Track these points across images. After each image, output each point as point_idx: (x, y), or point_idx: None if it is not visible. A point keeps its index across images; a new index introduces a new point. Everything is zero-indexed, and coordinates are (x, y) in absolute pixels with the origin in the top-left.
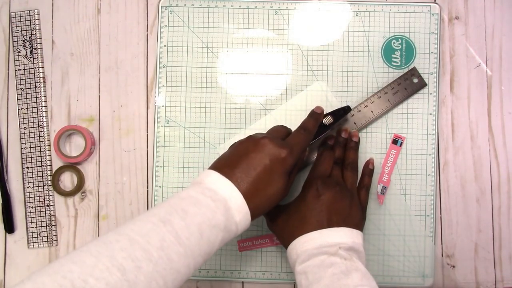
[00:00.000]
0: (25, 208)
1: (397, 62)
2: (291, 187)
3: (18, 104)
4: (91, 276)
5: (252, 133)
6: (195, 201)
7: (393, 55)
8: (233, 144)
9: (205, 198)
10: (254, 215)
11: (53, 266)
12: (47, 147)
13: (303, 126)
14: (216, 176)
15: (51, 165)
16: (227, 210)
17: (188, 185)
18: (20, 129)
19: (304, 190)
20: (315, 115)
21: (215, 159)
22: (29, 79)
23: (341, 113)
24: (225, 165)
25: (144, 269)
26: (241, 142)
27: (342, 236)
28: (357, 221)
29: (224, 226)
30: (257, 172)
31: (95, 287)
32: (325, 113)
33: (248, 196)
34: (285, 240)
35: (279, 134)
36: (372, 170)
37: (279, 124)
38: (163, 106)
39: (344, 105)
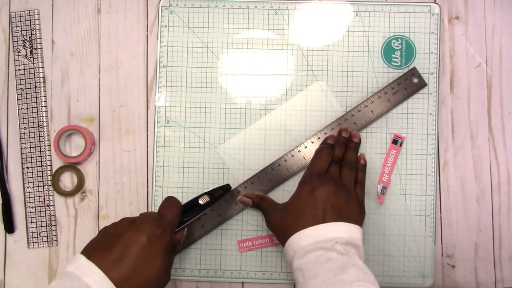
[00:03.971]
0: (25, 208)
1: (397, 62)
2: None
3: (18, 104)
4: None
5: (252, 132)
6: None
7: (393, 55)
8: (105, 228)
9: (67, 286)
10: None
11: None
12: (47, 147)
13: (170, 200)
14: (82, 262)
15: (51, 165)
16: None
17: (188, 185)
18: (20, 129)
19: (300, 187)
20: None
21: (88, 242)
22: (29, 79)
23: (220, 193)
24: (98, 248)
25: None
26: (115, 225)
27: (339, 231)
28: (354, 215)
29: None
30: (133, 252)
31: None
32: (201, 193)
33: (122, 279)
34: (282, 238)
35: (152, 214)
36: (364, 165)
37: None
38: (163, 106)
39: (344, 105)
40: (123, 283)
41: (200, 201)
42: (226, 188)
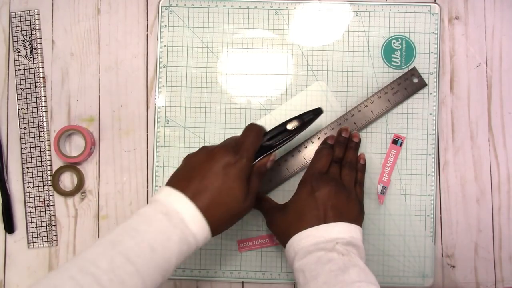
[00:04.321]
0: (25, 208)
1: (397, 62)
2: (260, 194)
3: (18, 104)
4: None
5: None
6: (146, 218)
7: (393, 55)
8: (188, 155)
9: (156, 213)
10: (218, 227)
11: None
12: (47, 147)
13: (249, 128)
14: (168, 191)
15: (51, 165)
16: (180, 222)
17: None
18: (20, 129)
19: (300, 187)
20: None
21: (172, 173)
22: (29, 79)
23: (310, 117)
24: (180, 179)
25: None
26: (194, 155)
27: (339, 231)
28: (354, 216)
29: (179, 239)
30: (211, 181)
31: None
32: (291, 117)
33: (206, 207)
34: (283, 239)
35: (232, 142)
36: (364, 165)
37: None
38: (163, 106)
39: (344, 105)
40: (207, 211)
41: (288, 127)
42: (317, 112)
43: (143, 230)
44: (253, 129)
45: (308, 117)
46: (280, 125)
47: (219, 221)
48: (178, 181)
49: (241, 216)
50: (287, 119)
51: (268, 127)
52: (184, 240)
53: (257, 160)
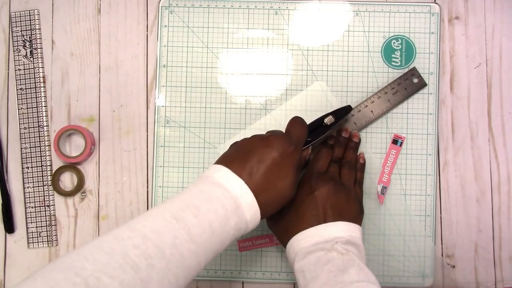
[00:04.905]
0: (25, 208)
1: (397, 62)
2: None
3: (18, 104)
4: (105, 274)
5: (252, 133)
6: (206, 197)
7: (393, 55)
8: (235, 143)
9: (217, 194)
10: (264, 212)
11: (65, 261)
12: (47, 147)
13: (296, 120)
14: (226, 172)
15: (51, 165)
16: (237, 208)
17: (189, 184)
18: (20, 129)
19: (299, 187)
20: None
21: (221, 156)
22: (29, 79)
23: (343, 113)
24: (234, 160)
25: (157, 267)
26: (246, 140)
27: (339, 230)
28: (354, 215)
29: (235, 224)
30: (267, 166)
31: (109, 285)
32: (326, 113)
33: (258, 191)
34: (283, 239)
35: (281, 132)
36: (363, 165)
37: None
38: (163, 106)
39: (344, 104)
40: (259, 194)
41: (326, 121)
42: (347, 109)
43: (204, 210)
44: (301, 122)
45: (341, 113)
46: (316, 120)
47: (268, 206)
48: (232, 162)
49: (286, 204)
50: (323, 114)
51: (268, 127)
52: (239, 226)
53: None
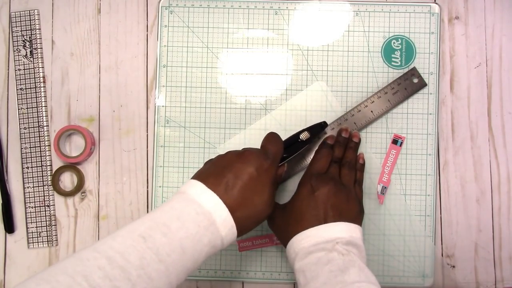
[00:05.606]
0: (25, 208)
1: (397, 62)
2: (276, 200)
3: (18, 104)
4: None
5: (252, 132)
6: (178, 214)
7: (393, 55)
8: (211, 159)
9: (189, 211)
10: (241, 228)
11: (27, 285)
12: (47, 147)
13: (272, 136)
14: (201, 188)
15: (51, 165)
16: (211, 224)
17: None
18: (20, 129)
19: (299, 188)
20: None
21: (196, 172)
22: (29, 79)
23: (318, 129)
24: (210, 176)
25: None
26: (222, 156)
27: (339, 231)
28: (354, 215)
29: (209, 241)
30: (243, 182)
31: None
32: (301, 129)
33: (234, 207)
34: (284, 239)
35: (256, 149)
36: (363, 165)
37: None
38: (163, 106)
39: (344, 105)
40: (235, 211)
41: (301, 137)
42: (322, 125)
43: (175, 228)
44: (277, 138)
45: (316, 129)
46: (292, 136)
47: (245, 222)
48: (207, 177)
49: (262, 221)
50: (298, 130)
51: (268, 127)
52: (213, 243)
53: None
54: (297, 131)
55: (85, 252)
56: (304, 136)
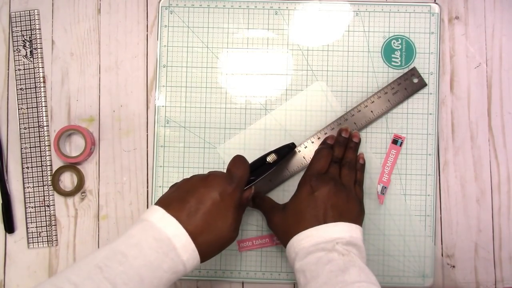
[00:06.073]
0: (25, 208)
1: (397, 62)
2: (242, 224)
3: (18, 104)
4: None
5: (252, 132)
6: (136, 242)
7: (393, 55)
8: (176, 183)
9: (147, 238)
10: (205, 253)
11: None
12: (47, 147)
13: (238, 159)
14: (161, 214)
15: (51, 165)
16: (171, 250)
17: None
18: (20, 129)
19: (299, 188)
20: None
21: (161, 196)
22: (29, 79)
23: (286, 151)
24: (173, 201)
25: None
26: (187, 180)
27: (339, 231)
28: (354, 215)
29: (169, 267)
30: (206, 207)
31: None
32: (268, 151)
33: (197, 232)
34: (284, 239)
35: (222, 172)
36: (363, 165)
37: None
38: (163, 106)
39: (344, 105)
40: (197, 236)
41: (268, 159)
42: (291, 147)
43: (132, 256)
44: (243, 161)
45: (284, 151)
46: (259, 158)
47: (208, 248)
48: (170, 203)
49: (227, 245)
50: (265, 153)
51: (268, 127)
52: (174, 269)
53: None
54: (264, 153)
55: (45, 285)
56: (271, 158)
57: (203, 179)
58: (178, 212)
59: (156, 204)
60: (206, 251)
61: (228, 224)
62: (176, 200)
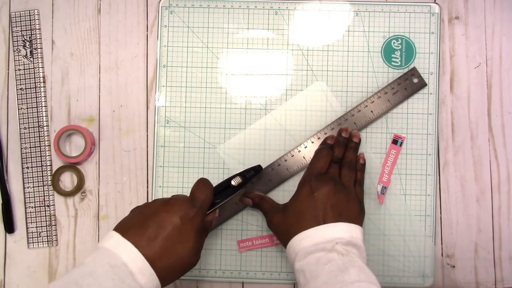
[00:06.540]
0: (25, 208)
1: (397, 62)
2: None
3: (18, 104)
4: None
5: (252, 132)
6: (90, 270)
7: (393, 55)
8: (138, 207)
9: (103, 265)
10: (165, 277)
11: None
12: (47, 147)
13: (202, 182)
14: (117, 239)
15: (51, 165)
16: (128, 275)
17: (188, 185)
18: (20, 129)
19: (299, 188)
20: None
21: (121, 220)
22: (29, 79)
23: (251, 174)
24: (132, 226)
25: None
26: (148, 204)
27: (339, 231)
28: (354, 215)
29: None
30: (167, 232)
31: None
32: (233, 174)
33: (156, 257)
34: (283, 239)
35: (184, 196)
36: (363, 165)
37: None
38: (163, 106)
39: (344, 105)
40: (156, 261)
41: (233, 182)
42: (257, 169)
43: (87, 285)
44: (207, 184)
45: (249, 174)
46: (224, 181)
47: (168, 272)
48: (129, 228)
49: (188, 269)
50: (230, 176)
51: (268, 127)
52: None
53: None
54: (229, 176)
55: None
56: (235, 181)
57: (164, 203)
58: (137, 237)
59: (114, 229)
60: (166, 275)
61: (188, 249)
62: (136, 225)
